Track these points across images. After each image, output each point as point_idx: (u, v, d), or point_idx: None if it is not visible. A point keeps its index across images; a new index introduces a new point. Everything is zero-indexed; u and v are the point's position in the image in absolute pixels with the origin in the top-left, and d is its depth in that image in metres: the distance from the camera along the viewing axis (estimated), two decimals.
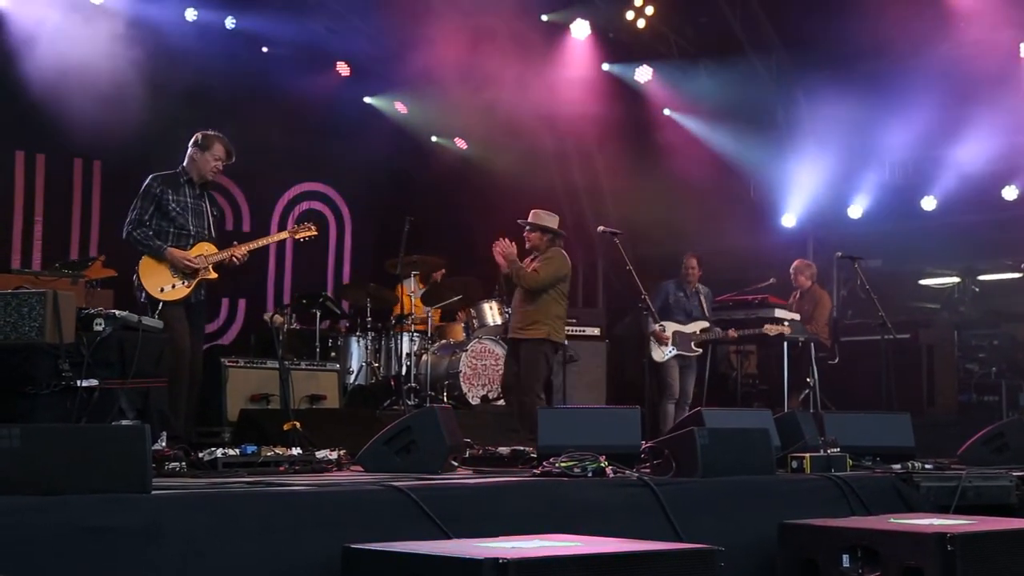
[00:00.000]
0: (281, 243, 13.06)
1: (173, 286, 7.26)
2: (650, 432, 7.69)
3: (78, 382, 5.86)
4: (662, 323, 10.25)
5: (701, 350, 10.57)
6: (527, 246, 8.88)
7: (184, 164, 7.51)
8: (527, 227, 8.86)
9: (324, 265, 14.34)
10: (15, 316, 5.89)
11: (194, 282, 7.32)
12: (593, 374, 11.74)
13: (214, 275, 7.42)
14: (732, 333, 10.58)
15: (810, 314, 11.25)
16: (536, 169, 13.80)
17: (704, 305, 10.69)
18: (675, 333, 10.37)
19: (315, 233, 8.10)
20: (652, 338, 10.31)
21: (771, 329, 10.53)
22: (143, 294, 7.23)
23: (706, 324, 10.56)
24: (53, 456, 3.86)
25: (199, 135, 7.53)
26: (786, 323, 10.67)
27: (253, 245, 7.72)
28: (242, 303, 13.48)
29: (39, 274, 7.68)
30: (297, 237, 8.08)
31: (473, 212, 12.98)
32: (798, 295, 11.48)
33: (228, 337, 13.26)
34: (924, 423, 8.92)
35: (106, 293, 8.36)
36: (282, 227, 13.83)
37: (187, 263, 7.29)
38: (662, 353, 10.37)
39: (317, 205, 14.42)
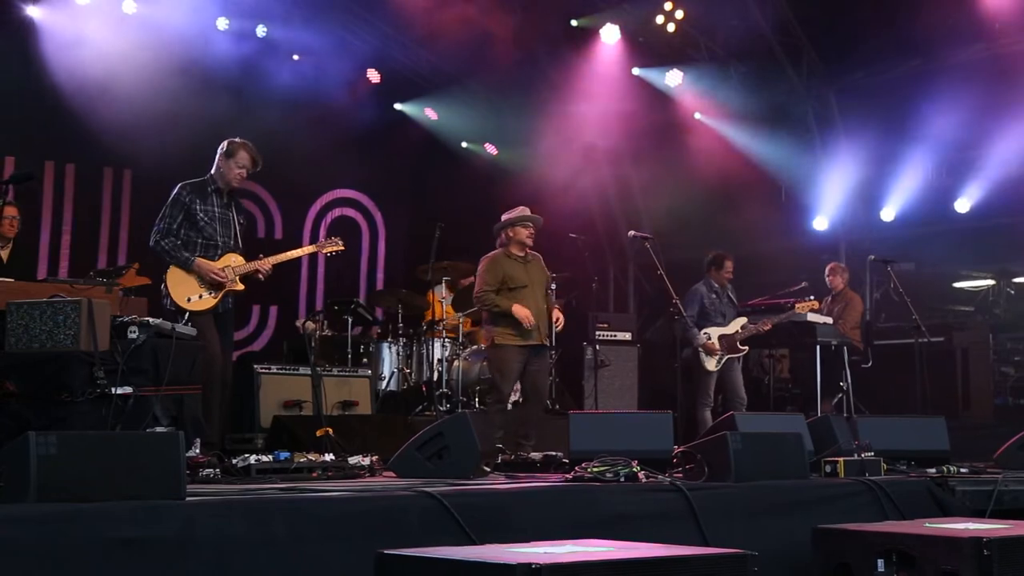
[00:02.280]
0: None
1: (200, 296, 7.28)
2: (682, 437, 7.67)
3: (113, 389, 5.88)
4: (706, 331, 10.20)
5: (747, 347, 10.52)
6: (529, 242, 8.58)
7: (212, 172, 7.52)
8: (535, 223, 8.61)
9: (357, 272, 14.36)
10: (50, 324, 5.95)
11: (221, 293, 7.34)
12: (625, 379, 11.74)
13: (240, 287, 7.42)
14: (765, 324, 10.49)
15: (840, 316, 11.18)
16: (567, 174, 13.79)
17: (735, 300, 10.64)
18: (721, 338, 10.29)
19: (343, 248, 8.01)
20: (703, 351, 10.22)
21: (802, 307, 10.49)
22: (169, 300, 7.28)
23: (744, 320, 10.48)
24: (89, 463, 3.90)
25: (226, 142, 7.54)
26: (814, 305, 10.64)
27: (280, 258, 7.68)
28: (273, 310, 13.53)
29: (74, 282, 7.70)
30: (325, 251, 7.99)
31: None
32: (830, 298, 11.42)
33: (259, 343, 13.31)
34: (959, 427, 8.87)
35: (140, 301, 8.37)
36: (314, 233, 13.88)
37: (214, 275, 7.29)
38: (716, 362, 10.29)
39: (350, 212, 14.45)
